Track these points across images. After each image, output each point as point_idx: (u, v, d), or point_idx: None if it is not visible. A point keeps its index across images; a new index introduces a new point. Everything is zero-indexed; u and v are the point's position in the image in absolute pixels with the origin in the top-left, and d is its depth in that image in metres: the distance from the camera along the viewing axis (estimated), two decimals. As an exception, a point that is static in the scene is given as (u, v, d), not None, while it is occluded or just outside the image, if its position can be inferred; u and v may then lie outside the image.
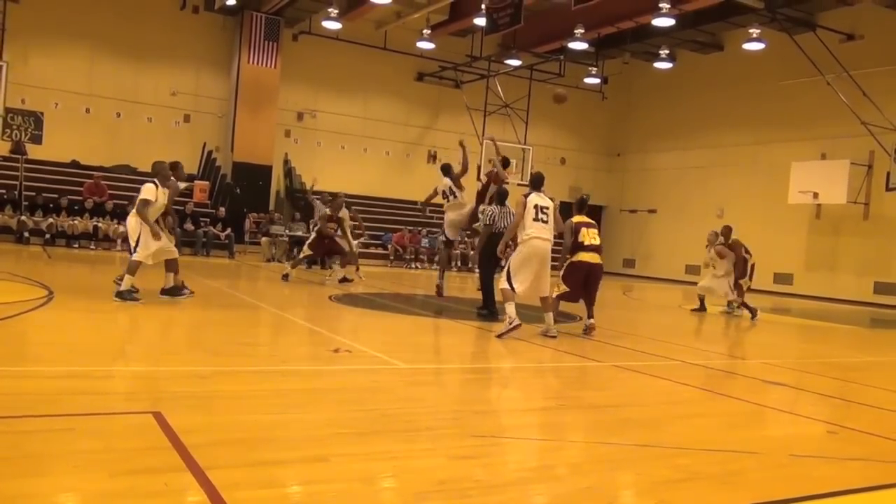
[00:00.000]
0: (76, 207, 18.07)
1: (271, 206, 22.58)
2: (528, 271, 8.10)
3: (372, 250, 21.72)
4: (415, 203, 25.36)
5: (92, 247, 17.61)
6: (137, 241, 8.52)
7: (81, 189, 18.70)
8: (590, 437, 4.19)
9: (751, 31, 19.48)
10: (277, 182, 23.64)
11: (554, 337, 8.07)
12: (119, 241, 17.83)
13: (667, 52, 23.28)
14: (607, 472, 3.62)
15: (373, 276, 17.07)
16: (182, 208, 19.02)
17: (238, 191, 21.62)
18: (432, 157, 26.39)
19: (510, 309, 7.81)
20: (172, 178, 9.29)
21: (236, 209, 20.76)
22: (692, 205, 25.39)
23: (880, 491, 3.56)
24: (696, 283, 19.73)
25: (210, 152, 22.52)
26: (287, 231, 19.55)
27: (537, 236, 8.18)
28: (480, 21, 20.40)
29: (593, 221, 9.88)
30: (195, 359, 5.84)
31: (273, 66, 22.53)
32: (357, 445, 3.69)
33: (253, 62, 22.23)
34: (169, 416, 3.81)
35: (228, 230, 19.45)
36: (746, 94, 23.61)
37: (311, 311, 10.43)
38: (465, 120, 24.31)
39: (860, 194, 20.29)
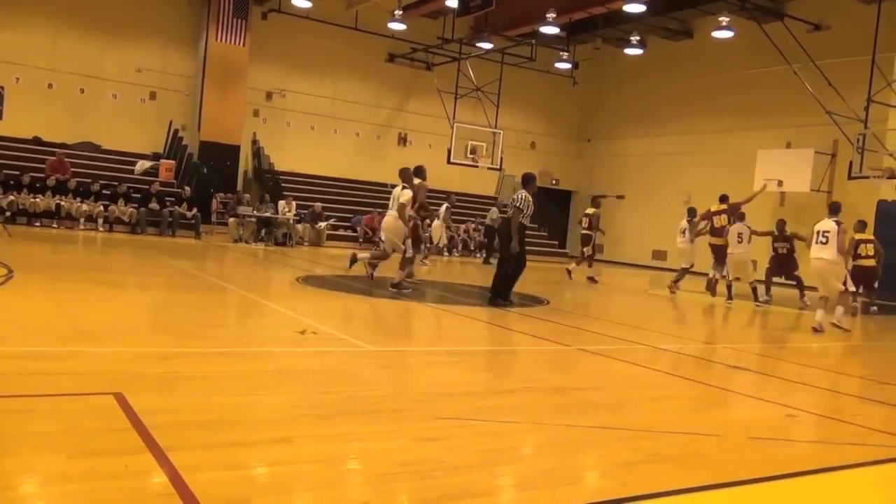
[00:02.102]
0: (38, 185, 17.68)
1: (239, 187, 22.32)
2: None
3: (341, 232, 21.61)
4: (385, 185, 25.28)
5: (54, 226, 17.26)
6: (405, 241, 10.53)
7: (44, 166, 18.30)
8: (555, 419, 4.22)
9: (720, 18, 19.60)
10: (245, 162, 23.36)
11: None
12: (82, 219, 17.52)
13: (637, 38, 23.35)
14: (570, 453, 3.65)
15: (342, 258, 16.97)
16: (147, 188, 18.74)
17: (205, 170, 21.32)
18: (403, 140, 26.28)
19: None
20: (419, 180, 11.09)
21: (203, 189, 20.49)
22: (660, 191, 25.62)
23: (834, 472, 3.64)
24: (664, 269, 19.95)
25: (176, 131, 22.14)
26: (255, 212, 19.35)
27: None
28: (452, 3, 20.28)
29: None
30: (159, 340, 5.77)
31: (241, 44, 22.18)
32: (321, 427, 3.68)
33: (221, 39, 21.85)
34: (130, 397, 3.77)
35: (195, 210, 19.20)
36: (715, 81, 23.82)
37: (278, 292, 10.37)
38: (436, 102, 24.21)
39: (823, 182, 20.63)
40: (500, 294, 9.57)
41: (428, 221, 17.87)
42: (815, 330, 9.72)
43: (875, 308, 14.47)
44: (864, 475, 3.73)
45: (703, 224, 14.85)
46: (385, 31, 23.37)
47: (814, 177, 20.16)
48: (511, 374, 5.58)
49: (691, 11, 21.71)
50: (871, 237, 13.93)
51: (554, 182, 29.42)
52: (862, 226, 13.92)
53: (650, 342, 7.71)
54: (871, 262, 13.46)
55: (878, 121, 17.69)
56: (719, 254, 14.16)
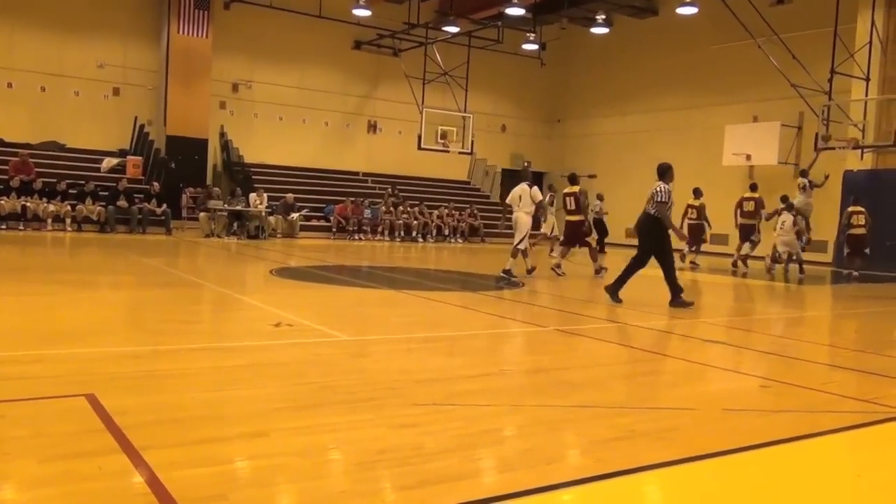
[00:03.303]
0: (2, 187, 17.34)
1: (209, 181, 22.08)
2: None
3: (314, 223, 21.48)
4: (356, 173, 25.18)
5: (20, 228, 16.96)
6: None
7: (7, 168, 17.94)
8: (532, 400, 4.24)
9: (684, -5, 19.71)
10: (214, 155, 23.10)
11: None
12: (49, 220, 17.23)
13: (603, 17, 23.39)
14: (547, 433, 3.67)
15: (316, 249, 16.92)
16: (114, 185, 18.46)
17: (173, 165, 21.05)
18: (372, 127, 26.15)
19: None
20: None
21: (172, 184, 20.24)
22: (631, 169, 25.74)
23: (807, 440, 3.70)
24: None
25: (142, 126, 21.82)
26: (226, 205, 19.16)
27: None
28: (417, -13, 20.13)
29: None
30: (131, 339, 5.71)
31: (204, 35, 21.87)
32: (298, 419, 3.66)
33: (183, 32, 21.53)
34: (103, 397, 3.72)
35: (164, 206, 18.96)
36: (681, 58, 23.96)
37: (252, 286, 10.29)
38: (405, 88, 24.08)
39: (790, 155, 20.89)
40: (676, 293, 8.88)
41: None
42: None
43: (856, 274, 14.90)
44: (837, 441, 3.79)
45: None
46: (350, 18, 23.16)
47: (781, 149, 20.42)
48: (487, 357, 5.59)
49: (656, -12, 21.78)
50: (862, 209, 14.90)
51: (526, 164, 29.46)
52: (854, 199, 15.19)
53: (625, 320, 7.77)
54: (863, 231, 14.71)
55: (842, 92, 17.95)
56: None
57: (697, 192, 16.74)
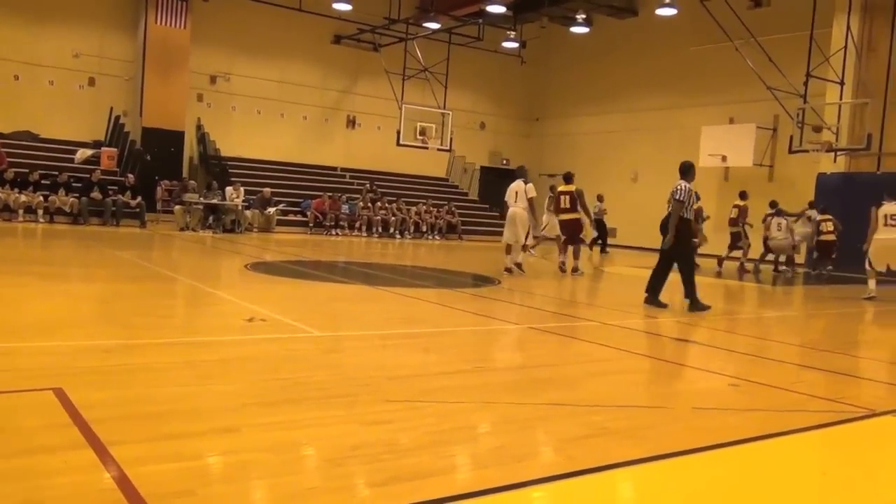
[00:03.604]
0: (-28, 177, 17.06)
1: (184, 174, 21.87)
2: None
3: (291, 217, 21.36)
4: (334, 168, 25.06)
5: (-9, 218, 16.70)
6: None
7: (-23, 157, 17.63)
8: (505, 398, 4.25)
9: (663, -4, 19.83)
10: (190, 148, 22.89)
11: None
12: (20, 211, 16.97)
13: (583, 16, 23.46)
14: (519, 431, 3.68)
15: (292, 244, 16.83)
16: (88, 177, 18.22)
17: (148, 157, 20.82)
18: (351, 122, 26.05)
19: None
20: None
21: (147, 176, 20.02)
22: (608, 168, 25.91)
23: (775, 439, 3.74)
24: (614, 246, 20.22)
25: (118, 117, 21.56)
26: (202, 199, 18.99)
27: None
28: (397, -17, 20.06)
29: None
30: (102, 332, 5.64)
31: (183, 26, 21.64)
32: (269, 415, 3.64)
33: (161, 22, 21.29)
34: (71, 392, 3.67)
35: (139, 198, 18.75)
36: (660, 59, 24.12)
37: (226, 280, 10.22)
38: (384, 84, 24.02)
39: (765, 157, 21.13)
40: (694, 302, 8.72)
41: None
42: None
43: (825, 273, 15.23)
44: (804, 440, 3.84)
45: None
46: (330, 12, 23.04)
47: (756, 151, 20.64)
48: (461, 354, 5.59)
49: (635, -11, 21.89)
50: (831, 217, 15.40)
51: (504, 162, 29.53)
52: (823, 208, 15.65)
53: (599, 318, 7.81)
54: (832, 238, 15.22)
55: (817, 95, 18.17)
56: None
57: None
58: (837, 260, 15.62)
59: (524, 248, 12.58)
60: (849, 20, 17.95)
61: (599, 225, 21.17)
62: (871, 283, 11.44)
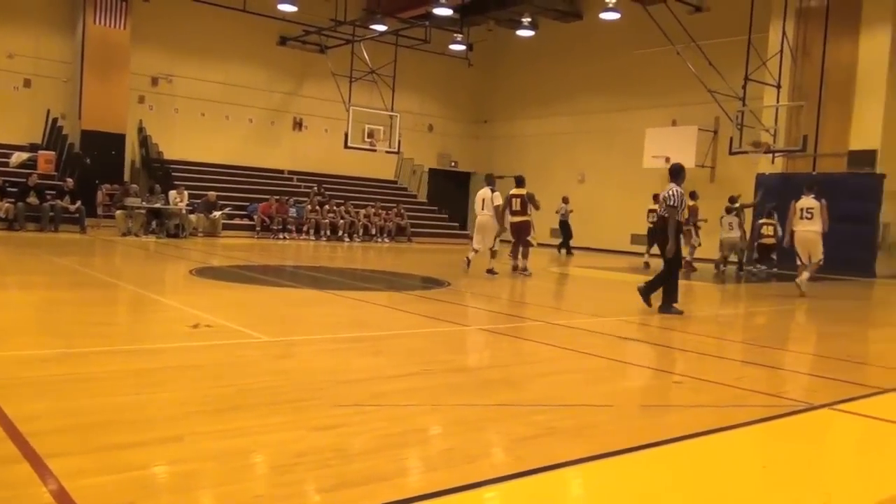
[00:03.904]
0: None
1: (126, 177, 21.37)
2: None
3: (237, 221, 21.05)
4: (281, 171, 24.78)
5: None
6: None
7: None
8: (454, 400, 4.26)
9: (607, 0, 20.16)
10: (132, 151, 22.37)
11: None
12: None
13: (529, 20, 23.71)
14: (468, 432, 3.69)
15: (239, 248, 16.58)
16: (24, 181, 17.66)
17: (88, 161, 20.26)
18: (298, 125, 25.80)
19: None
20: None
21: (87, 181, 19.47)
22: (556, 170, 26.21)
23: (717, 434, 3.83)
24: (558, 247, 20.45)
25: (55, 120, 20.95)
26: (144, 203, 18.57)
27: None
28: (343, -16, 19.95)
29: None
30: (40, 342, 5.46)
31: (122, 27, 21.15)
32: (214, 423, 3.58)
33: (100, 23, 20.76)
34: (5, 403, 3.55)
35: (79, 203, 18.23)
36: (605, 62, 24.52)
37: (171, 286, 10.02)
38: (331, 86, 23.86)
39: (707, 158, 21.64)
40: (672, 301, 8.66)
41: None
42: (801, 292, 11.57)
43: (761, 270, 15.63)
44: (745, 435, 3.94)
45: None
46: (275, 13, 22.81)
47: (698, 153, 21.13)
48: (411, 357, 5.58)
49: (580, -7, 22.20)
50: (773, 221, 15.83)
51: (453, 164, 29.63)
52: (767, 212, 16.09)
53: (547, 318, 7.89)
54: (772, 241, 15.64)
55: (755, 98, 18.69)
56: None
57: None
58: (778, 259, 16.05)
59: (492, 252, 12.98)
60: (784, 25, 18.52)
61: (564, 226, 21.42)
62: (804, 275, 11.75)
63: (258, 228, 20.78)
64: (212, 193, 20.12)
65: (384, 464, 3.13)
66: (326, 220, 21.94)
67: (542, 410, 4.09)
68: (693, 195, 17.11)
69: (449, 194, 28.74)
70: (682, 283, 14.31)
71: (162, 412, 3.71)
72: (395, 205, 24.14)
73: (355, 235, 22.24)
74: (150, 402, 3.89)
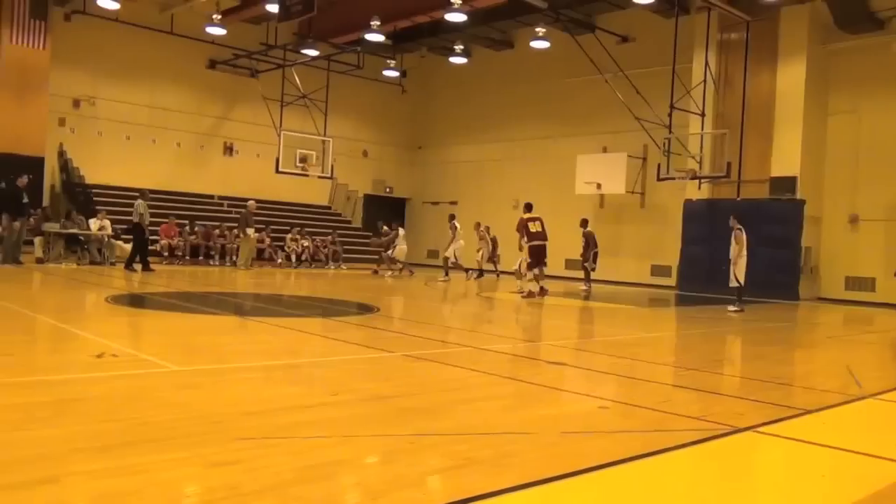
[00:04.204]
0: None
1: (45, 202, 20.48)
2: None
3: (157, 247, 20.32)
4: (211, 196, 24.17)
5: None
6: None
7: None
8: (366, 430, 4.02)
9: (537, 30, 20.46)
10: (52, 175, 21.49)
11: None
12: None
13: (461, 47, 23.88)
14: (379, 465, 3.47)
15: (165, 275, 15.97)
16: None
17: (3, 185, 19.31)
18: (229, 149, 25.29)
19: None
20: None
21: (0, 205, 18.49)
22: (490, 196, 26.30)
23: (640, 460, 3.69)
24: (496, 272, 20.44)
25: (-34, 142, 19.97)
26: (61, 229, 17.77)
27: None
28: (273, 8, 19.74)
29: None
30: (-82, 375, 5.00)
31: (41, 46, 20.41)
32: (99, 461, 3.25)
33: (17, 42, 20.01)
34: None
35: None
36: (536, 90, 24.82)
37: (81, 314, 9.49)
38: (262, 110, 23.48)
39: (637, 184, 22.02)
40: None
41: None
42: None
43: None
44: (670, 460, 3.81)
45: None
46: (204, 36, 22.41)
47: (628, 179, 21.49)
48: (327, 385, 5.32)
49: (511, 22, 22.49)
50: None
51: (388, 190, 29.46)
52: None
53: (475, 344, 7.72)
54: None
55: (681, 126, 19.13)
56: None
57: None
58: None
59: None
60: (707, 56, 19.07)
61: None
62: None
63: (165, 254, 19.90)
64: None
65: (280, 502, 2.87)
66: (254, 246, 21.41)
67: (460, 440, 3.89)
68: (584, 223, 17.76)
69: (384, 220, 28.51)
70: (602, 305, 14.45)
71: (41, 450, 3.37)
72: (330, 230, 23.77)
73: (288, 260, 21.77)
74: (29, 439, 3.53)
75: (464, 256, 19.86)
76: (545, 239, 14.36)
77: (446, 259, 19.05)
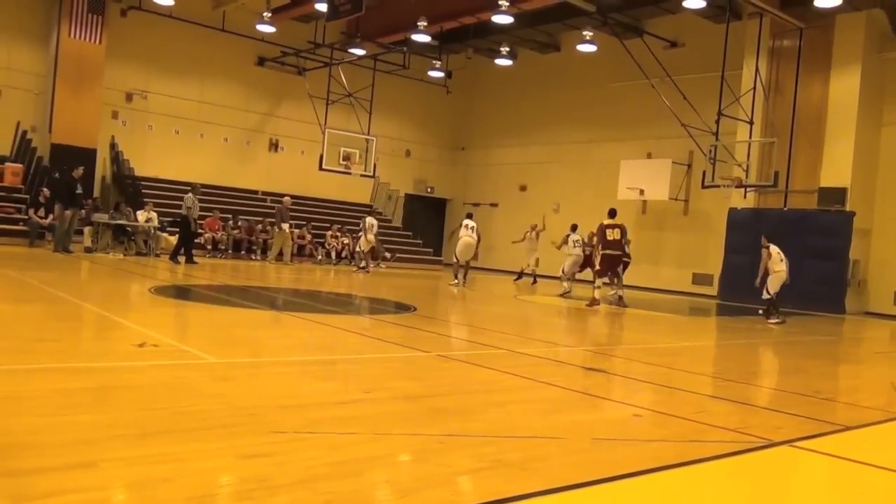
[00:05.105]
0: None
1: (96, 193, 21.02)
2: None
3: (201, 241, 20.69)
4: (255, 192, 24.53)
5: None
6: None
7: None
8: (398, 429, 4.05)
9: (584, 33, 20.31)
10: (103, 167, 22.04)
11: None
12: None
13: (507, 49, 23.83)
14: (409, 464, 3.49)
15: (208, 268, 16.26)
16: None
17: (57, 175, 19.88)
18: (274, 146, 25.62)
19: None
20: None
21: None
22: (531, 199, 26.22)
23: (670, 470, 3.65)
24: (537, 276, 20.30)
25: (24, 132, 20.60)
26: (110, 219, 18.22)
27: None
28: (322, 6, 19.95)
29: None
30: (-32, 357, 5.18)
31: (98, 41, 20.93)
32: (136, 448, 3.33)
33: (75, 36, 20.54)
34: None
35: (51, 217, 17.82)
36: (581, 94, 24.66)
37: (125, 304, 9.72)
38: (308, 108, 23.74)
39: (681, 191, 21.73)
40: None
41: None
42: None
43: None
44: (700, 471, 3.76)
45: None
46: (254, 34, 22.73)
47: (672, 186, 21.21)
48: (361, 382, 5.37)
49: (558, 25, 22.36)
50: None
51: (429, 190, 29.54)
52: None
53: (511, 347, 7.71)
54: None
55: (728, 133, 18.83)
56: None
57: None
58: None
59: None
60: (757, 63, 18.74)
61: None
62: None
63: (209, 247, 20.24)
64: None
65: (310, 497, 2.91)
66: (294, 243, 21.67)
67: (489, 441, 3.90)
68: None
69: (424, 220, 28.63)
70: (641, 313, 14.27)
71: (80, 435, 3.46)
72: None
73: (326, 257, 21.99)
74: (69, 424, 3.63)
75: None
76: (620, 249, 14.02)
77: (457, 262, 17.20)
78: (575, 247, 16.59)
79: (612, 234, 13.81)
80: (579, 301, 14.59)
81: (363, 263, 20.03)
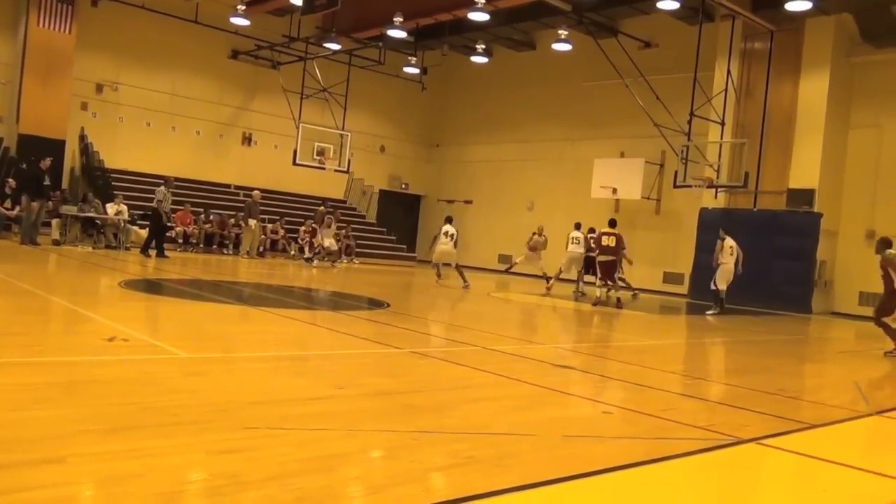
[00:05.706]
0: None
1: (65, 185, 20.67)
2: None
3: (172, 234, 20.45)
4: (228, 186, 24.31)
5: None
6: None
7: None
8: (370, 425, 4.05)
9: (559, 32, 20.41)
10: (72, 158, 21.68)
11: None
12: None
13: (483, 46, 23.84)
14: (381, 460, 3.49)
15: (178, 262, 16.09)
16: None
17: (24, 166, 19.53)
18: (247, 139, 25.40)
19: None
20: None
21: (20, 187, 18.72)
22: (505, 196, 26.29)
23: (640, 467, 3.70)
24: (511, 274, 20.33)
25: (-9, 122, 20.21)
26: (78, 212, 17.94)
27: None
28: (297, 0, 19.80)
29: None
30: (-68, 351, 5.08)
31: (67, 31, 20.58)
32: (104, 443, 3.30)
33: (44, 25, 20.18)
34: None
35: (18, 209, 17.50)
36: (556, 92, 24.77)
37: (94, 298, 9.59)
38: (282, 102, 23.57)
39: (653, 191, 21.93)
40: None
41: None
42: None
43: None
44: (669, 468, 3.82)
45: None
46: (228, 26, 22.50)
47: (644, 185, 21.38)
48: (334, 379, 5.35)
49: (533, 24, 22.41)
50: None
51: (404, 186, 29.49)
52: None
53: (484, 344, 7.74)
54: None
55: (700, 134, 19.03)
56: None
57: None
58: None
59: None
60: (729, 65, 18.95)
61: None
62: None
63: (180, 241, 20.02)
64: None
65: (281, 493, 2.90)
66: (266, 237, 21.52)
67: (461, 438, 3.92)
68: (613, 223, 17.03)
69: (398, 216, 28.58)
70: (612, 311, 14.40)
71: (48, 430, 3.42)
72: (343, 225, 23.79)
73: (300, 253, 21.86)
74: (37, 419, 3.59)
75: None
76: (615, 255, 14.78)
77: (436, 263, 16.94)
78: (572, 243, 16.85)
79: (608, 241, 14.67)
80: (564, 300, 14.69)
81: (310, 255, 20.31)
